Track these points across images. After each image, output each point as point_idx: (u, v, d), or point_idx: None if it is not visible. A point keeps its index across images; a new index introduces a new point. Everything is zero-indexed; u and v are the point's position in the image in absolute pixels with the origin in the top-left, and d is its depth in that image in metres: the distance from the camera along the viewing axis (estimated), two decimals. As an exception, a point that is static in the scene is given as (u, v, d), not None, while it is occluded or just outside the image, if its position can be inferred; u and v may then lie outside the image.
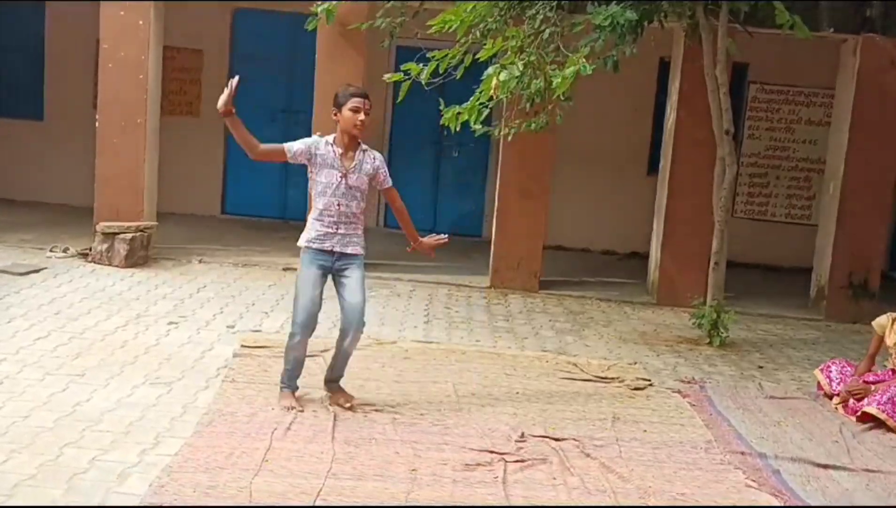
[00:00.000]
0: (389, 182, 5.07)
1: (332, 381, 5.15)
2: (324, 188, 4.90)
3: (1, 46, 10.91)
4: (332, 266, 4.94)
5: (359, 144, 4.95)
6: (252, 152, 4.83)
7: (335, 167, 4.88)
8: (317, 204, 4.94)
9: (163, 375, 5.34)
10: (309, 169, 4.95)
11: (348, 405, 5.00)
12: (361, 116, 4.84)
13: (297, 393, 5.05)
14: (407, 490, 4.03)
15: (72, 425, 4.43)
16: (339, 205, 4.88)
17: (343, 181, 4.88)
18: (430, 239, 5.22)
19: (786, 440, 5.13)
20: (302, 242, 4.98)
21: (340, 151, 4.91)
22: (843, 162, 8.65)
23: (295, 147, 4.89)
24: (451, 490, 4.08)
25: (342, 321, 4.99)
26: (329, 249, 4.91)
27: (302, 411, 4.88)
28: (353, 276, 4.95)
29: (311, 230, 4.94)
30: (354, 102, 4.84)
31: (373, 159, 4.99)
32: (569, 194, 10.75)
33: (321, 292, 4.95)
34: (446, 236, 5.30)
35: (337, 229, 4.91)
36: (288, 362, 5.02)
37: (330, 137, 4.95)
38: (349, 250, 4.93)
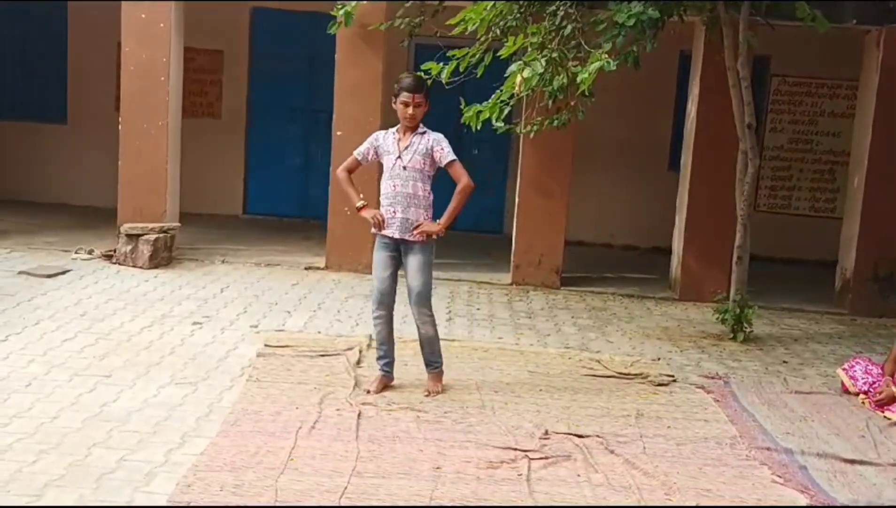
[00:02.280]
0: (448, 159, 5.22)
1: (427, 365, 5.43)
2: (386, 174, 5.24)
3: (25, 52, 11.02)
4: (400, 249, 5.26)
5: (417, 127, 5.22)
6: (345, 182, 5.34)
7: (391, 152, 5.21)
8: (382, 190, 5.27)
9: (188, 375, 5.38)
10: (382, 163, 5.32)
11: (426, 393, 5.28)
12: (410, 111, 5.15)
13: (379, 383, 5.33)
14: (431, 488, 4.04)
15: (99, 425, 4.48)
16: (394, 186, 5.19)
17: (398, 162, 5.17)
18: (428, 225, 5.23)
19: (812, 436, 5.09)
20: (373, 228, 5.33)
21: (399, 136, 5.23)
22: (868, 154, 8.57)
23: (361, 149, 5.32)
24: (475, 487, 4.08)
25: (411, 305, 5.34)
26: (390, 235, 5.22)
27: (372, 393, 5.20)
28: (415, 261, 5.25)
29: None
30: (404, 96, 5.16)
31: (428, 140, 5.22)
32: (589, 189, 10.72)
33: (392, 274, 5.30)
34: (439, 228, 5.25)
35: (395, 212, 5.19)
36: (375, 340, 5.40)
37: (396, 126, 5.30)
38: (408, 237, 5.21)
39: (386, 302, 5.31)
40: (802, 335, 7.69)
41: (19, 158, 11.08)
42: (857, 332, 7.98)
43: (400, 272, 5.36)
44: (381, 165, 5.38)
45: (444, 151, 5.21)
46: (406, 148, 5.19)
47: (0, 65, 9.34)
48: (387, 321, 5.34)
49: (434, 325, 5.39)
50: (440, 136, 5.28)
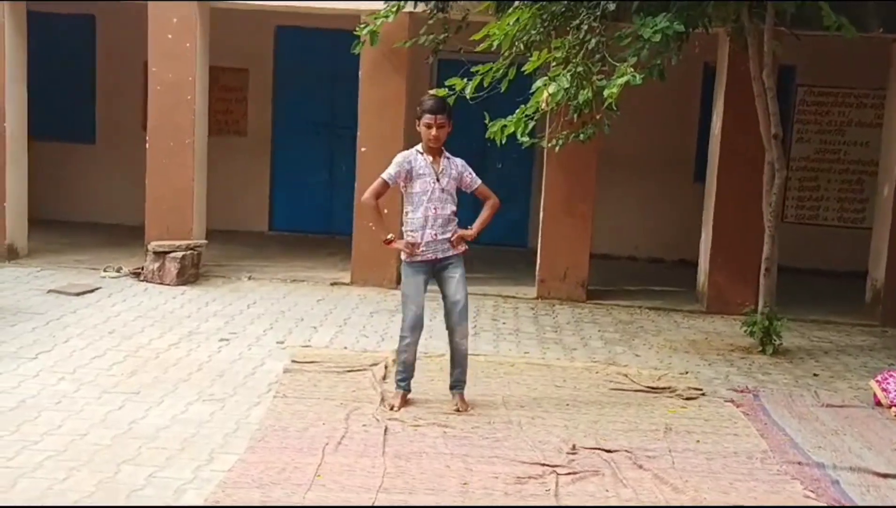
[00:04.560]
0: (476, 184, 5.38)
1: (456, 386, 5.39)
2: (419, 197, 5.21)
3: (54, 72, 11.18)
4: (434, 269, 5.28)
5: (442, 151, 5.28)
6: (374, 211, 5.34)
7: (427, 175, 5.21)
8: (414, 214, 5.24)
9: (215, 391, 5.41)
10: (402, 185, 5.28)
11: (457, 409, 5.25)
12: (433, 132, 5.18)
13: (405, 397, 5.32)
14: (459, 503, 4.03)
15: (128, 442, 4.51)
16: (435, 210, 5.21)
17: (436, 186, 5.20)
18: (463, 231, 5.36)
19: (844, 450, 5.02)
20: (405, 255, 5.29)
21: (430, 158, 5.24)
22: (897, 163, 8.48)
23: (392, 172, 5.25)
24: (504, 503, 4.06)
25: (447, 320, 5.34)
26: (431, 258, 5.24)
27: (397, 409, 5.18)
28: (454, 275, 5.29)
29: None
30: (426, 118, 5.19)
31: (455, 166, 5.31)
32: (614, 202, 10.68)
33: (425, 297, 5.34)
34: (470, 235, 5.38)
35: (435, 236, 5.22)
36: (399, 363, 5.36)
37: (418, 147, 5.29)
38: (449, 254, 5.27)
39: (421, 326, 5.35)
40: (833, 348, 7.59)
41: (49, 178, 11.20)
42: (888, 344, 7.87)
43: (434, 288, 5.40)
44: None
45: (473, 177, 5.37)
46: (442, 171, 5.24)
47: (29, 86, 9.50)
48: (417, 345, 5.37)
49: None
50: (463, 161, 5.40)
